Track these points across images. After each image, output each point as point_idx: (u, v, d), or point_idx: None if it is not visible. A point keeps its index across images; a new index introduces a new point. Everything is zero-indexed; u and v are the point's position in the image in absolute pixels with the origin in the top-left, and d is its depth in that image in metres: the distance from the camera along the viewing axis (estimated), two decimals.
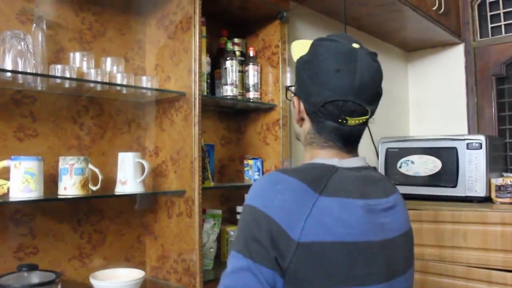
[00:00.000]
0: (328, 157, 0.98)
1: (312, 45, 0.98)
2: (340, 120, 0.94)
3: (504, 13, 2.82)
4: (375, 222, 0.91)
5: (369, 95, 0.95)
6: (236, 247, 0.86)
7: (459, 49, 2.94)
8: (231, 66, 1.81)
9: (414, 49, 3.16)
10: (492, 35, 2.87)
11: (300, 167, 0.95)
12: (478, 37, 2.91)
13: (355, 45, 0.94)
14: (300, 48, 1.03)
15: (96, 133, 1.54)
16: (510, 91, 2.85)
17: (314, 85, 0.95)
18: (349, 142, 0.99)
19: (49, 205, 1.42)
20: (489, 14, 2.87)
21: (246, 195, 0.93)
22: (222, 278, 0.85)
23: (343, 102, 0.92)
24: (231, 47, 1.86)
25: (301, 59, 1.01)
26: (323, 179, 0.88)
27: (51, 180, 1.39)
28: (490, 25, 2.87)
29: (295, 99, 1.02)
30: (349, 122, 0.94)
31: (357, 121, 0.95)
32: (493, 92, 2.84)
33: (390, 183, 1.06)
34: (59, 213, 1.44)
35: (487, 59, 2.85)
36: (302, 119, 1.02)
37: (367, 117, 0.96)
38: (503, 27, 2.83)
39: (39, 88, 1.36)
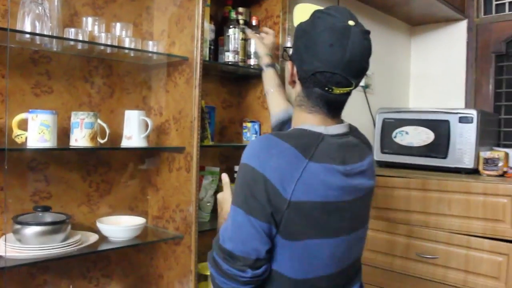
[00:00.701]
0: (315, 123, 1.11)
1: (312, 15, 1.08)
2: (326, 89, 1.06)
3: None
4: (350, 185, 1.07)
5: (356, 70, 1.05)
6: (236, 202, 1.01)
7: (462, 25, 2.99)
8: (233, 34, 1.91)
9: (418, 23, 3.21)
10: (496, 12, 2.91)
11: (292, 132, 1.09)
12: (482, 13, 2.96)
13: (351, 22, 1.04)
14: (301, 13, 1.14)
15: (106, 92, 1.68)
16: (508, 69, 2.92)
17: (308, 55, 1.05)
18: (333, 108, 1.12)
19: (61, 155, 1.58)
20: None
21: (244, 153, 1.05)
22: (223, 230, 1.02)
23: (331, 74, 1.03)
24: (234, 15, 1.96)
25: (300, 26, 1.11)
26: (312, 147, 1.02)
27: (63, 133, 1.53)
28: (494, 2, 2.91)
29: (289, 63, 1.14)
30: (334, 91, 1.06)
31: (341, 91, 1.07)
32: (492, 69, 2.90)
33: (366, 146, 1.20)
34: (71, 163, 1.60)
35: (489, 36, 2.90)
36: (294, 82, 1.14)
37: (351, 88, 1.08)
38: (507, 4, 2.87)
39: (54, 49, 1.49)
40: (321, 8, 1.10)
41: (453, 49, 3.05)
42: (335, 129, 1.10)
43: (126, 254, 1.76)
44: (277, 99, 1.71)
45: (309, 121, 1.11)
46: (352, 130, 1.17)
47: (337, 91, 1.06)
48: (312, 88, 1.08)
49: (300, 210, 0.99)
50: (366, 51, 1.06)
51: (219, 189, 1.99)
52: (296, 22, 1.14)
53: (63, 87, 1.57)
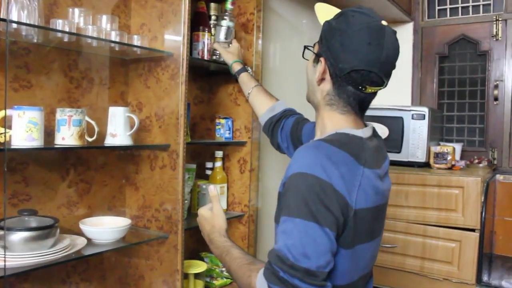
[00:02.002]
0: (352, 126, 1.11)
1: (344, 14, 1.08)
2: (360, 87, 1.07)
3: None
4: (384, 188, 1.10)
5: (389, 69, 1.08)
6: (300, 214, 0.91)
7: (409, 27, 3.18)
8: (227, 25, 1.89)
9: None
10: (438, 17, 3.13)
11: (339, 138, 1.05)
12: (426, 17, 3.16)
13: (384, 22, 1.06)
14: (325, 12, 1.14)
15: (85, 87, 1.59)
16: (450, 69, 3.15)
17: (344, 52, 1.05)
18: (362, 108, 1.14)
19: (41, 154, 1.48)
20: None
21: (292, 163, 0.98)
22: (289, 247, 0.89)
23: (368, 72, 1.04)
24: (230, 6, 1.89)
25: (330, 24, 1.10)
26: (362, 152, 1.02)
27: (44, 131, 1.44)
28: (437, 7, 3.13)
29: (322, 60, 1.10)
30: (367, 90, 1.07)
31: (373, 90, 1.09)
32: (436, 69, 3.12)
33: (384, 146, 1.22)
34: (50, 163, 1.51)
35: (433, 38, 3.12)
36: (323, 79, 1.12)
37: (382, 87, 1.10)
38: (448, 10, 3.09)
39: (35, 41, 1.39)
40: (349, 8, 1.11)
41: (400, 50, 3.21)
42: (367, 131, 1.12)
43: (106, 256, 1.69)
44: (259, 99, 1.70)
45: (346, 123, 1.11)
46: (373, 130, 1.19)
47: (370, 90, 1.08)
48: (345, 87, 1.08)
49: (359, 218, 0.99)
50: (397, 52, 1.09)
51: (194, 186, 1.97)
52: (321, 20, 1.14)
53: (42, 82, 1.47)
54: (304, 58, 1.23)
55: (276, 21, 2.44)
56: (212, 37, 1.95)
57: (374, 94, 1.12)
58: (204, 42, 1.89)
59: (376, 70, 1.04)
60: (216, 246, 1.17)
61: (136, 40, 1.57)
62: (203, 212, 1.25)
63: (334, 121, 1.13)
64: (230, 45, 1.86)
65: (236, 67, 1.79)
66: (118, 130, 1.53)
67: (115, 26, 1.52)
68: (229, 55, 1.81)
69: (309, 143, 1.04)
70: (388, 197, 1.18)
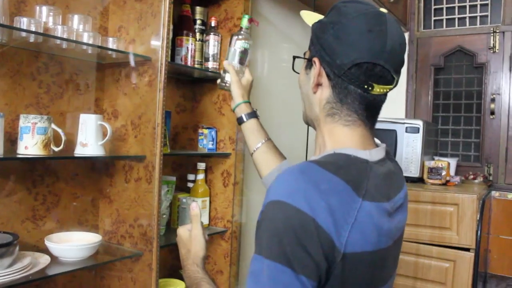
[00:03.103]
0: (357, 144, 0.90)
1: (335, 7, 0.92)
2: (366, 86, 0.87)
3: (446, 8, 3.00)
4: (393, 226, 0.87)
5: (397, 62, 0.89)
6: (271, 255, 0.74)
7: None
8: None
9: None
10: (434, 27, 3.05)
11: (336, 159, 0.85)
12: (422, 28, 3.08)
13: (383, 10, 0.91)
14: (312, 16, 0.98)
15: (56, 92, 1.48)
16: (445, 81, 3.07)
17: (342, 46, 0.87)
18: (371, 115, 0.92)
19: (2, 164, 1.37)
20: (433, 7, 3.04)
21: (270, 188, 0.79)
22: (249, 283, 0.76)
23: (372, 65, 0.85)
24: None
25: (320, 22, 0.94)
26: (364, 181, 0.81)
27: (6, 138, 1.33)
28: (433, 18, 3.05)
29: (316, 61, 0.91)
30: (374, 89, 0.87)
31: (382, 90, 0.88)
32: (431, 81, 3.04)
33: (400, 170, 1.02)
34: (14, 173, 1.39)
35: (428, 49, 3.04)
36: (319, 85, 0.93)
37: (392, 86, 0.90)
38: (444, 21, 3.02)
39: None
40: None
41: None
42: (377, 153, 0.91)
43: (75, 274, 1.57)
44: (269, 156, 1.38)
45: (350, 140, 0.91)
46: (386, 152, 0.97)
47: (377, 89, 0.88)
48: (347, 89, 0.89)
49: (350, 264, 0.77)
50: (404, 42, 0.90)
51: (174, 200, 1.86)
52: (310, 23, 0.98)
53: (7, 85, 1.36)
54: (295, 71, 1.05)
55: (265, 26, 2.34)
56: (197, 42, 1.86)
57: (383, 96, 0.91)
58: (188, 48, 1.80)
59: (382, 62, 0.85)
60: (187, 275, 1.05)
61: (112, 43, 1.47)
62: (181, 232, 1.11)
63: (336, 137, 0.92)
64: (243, 75, 1.43)
65: (245, 109, 1.38)
66: (89, 139, 1.42)
67: (88, 27, 1.42)
68: (240, 91, 1.39)
69: (295, 165, 0.82)
70: (401, 236, 0.96)
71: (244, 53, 1.43)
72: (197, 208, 1.10)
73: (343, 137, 0.91)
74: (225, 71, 1.42)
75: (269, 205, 0.77)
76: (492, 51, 2.82)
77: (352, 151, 0.87)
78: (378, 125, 2.52)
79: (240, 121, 1.39)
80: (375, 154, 0.90)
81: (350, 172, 0.81)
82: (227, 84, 1.41)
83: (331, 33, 0.88)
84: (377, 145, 0.95)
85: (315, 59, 0.91)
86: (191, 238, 1.09)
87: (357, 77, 0.86)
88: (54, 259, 1.36)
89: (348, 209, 0.76)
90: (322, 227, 0.73)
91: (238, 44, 1.42)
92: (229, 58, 1.42)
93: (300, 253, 0.72)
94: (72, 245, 1.40)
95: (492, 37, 2.81)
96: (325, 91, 0.92)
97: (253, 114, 1.38)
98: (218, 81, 1.45)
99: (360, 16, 0.86)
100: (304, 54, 1.00)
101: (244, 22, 1.45)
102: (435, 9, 3.03)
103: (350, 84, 0.88)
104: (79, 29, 1.38)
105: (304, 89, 0.99)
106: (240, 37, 1.43)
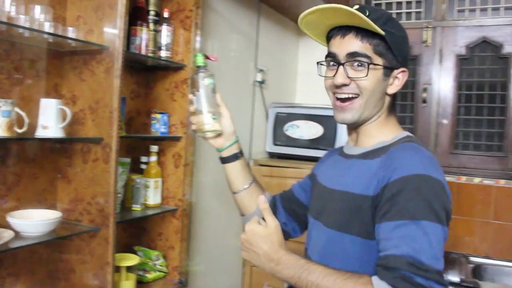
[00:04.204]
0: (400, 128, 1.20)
1: (393, 20, 1.13)
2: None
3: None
4: None
5: None
6: (429, 216, 0.93)
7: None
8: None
9: None
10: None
11: (415, 140, 1.12)
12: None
13: None
14: (354, 16, 1.04)
15: (16, 78, 1.57)
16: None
17: (408, 57, 1.17)
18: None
19: None
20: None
21: (398, 165, 1.00)
22: (420, 252, 0.89)
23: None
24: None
25: (393, 34, 1.09)
26: None
27: None
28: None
29: (406, 70, 1.15)
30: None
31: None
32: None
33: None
34: None
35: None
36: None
37: None
38: (403, 14, 2.92)
39: None
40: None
41: None
42: None
43: (35, 250, 1.67)
44: (253, 197, 1.35)
45: (397, 126, 1.20)
46: None
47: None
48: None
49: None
50: None
51: (129, 180, 1.98)
52: (350, 22, 1.09)
53: None
54: (321, 75, 1.22)
55: (215, 18, 2.48)
56: (151, 32, 1.97)
57: None
58: (141, 37, 1.91)
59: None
60: (287, 266, 1.02)
61: (71, 32, 1.57)
62: (255, 228, 1.06)
63: (391, 126, 1.18)
64: (220, 113, 1.35)
65: (237, 147, 1.37)
66: (50, 122, 1.52)
67: (49, 17, 1.50)
68: (231, 129, 1.36)
69: (408, 147, 1.06)
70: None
71: (214, 88, 1.35)
72: (266, 202, 1.09)
73: (394, 124, 1.19)
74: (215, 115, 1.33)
75: (408, 179, 0.97)
76: (425, 45, 3.02)
77: (405, 132, 1.17)
78: (319, 111, 3.00)
79: (229, 160, 1.35)
80: None
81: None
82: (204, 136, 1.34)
83: (407, 46, 1.16)
84: None
85: (403, 70, 1.15)
86: (270, 230, 1.06)
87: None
88: (16, 235, 1.46)
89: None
90: (446, 189, 1.00)
91: (207, 82, 1.33)
92: (202, 101, 1.32)
93: (442, 211, 0.96)
94: (33, 220, 1.50)
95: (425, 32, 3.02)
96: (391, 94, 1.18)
97: (240, 153, 1.36)
98: (209, 134, 1.33)
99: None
100: (369, 58, 1.08)
101: (200, 59, 1.34)
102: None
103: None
104: (41, 18, 1.47)
105: (377, 92, 1.11)
106: (204, 75, 1.33)
